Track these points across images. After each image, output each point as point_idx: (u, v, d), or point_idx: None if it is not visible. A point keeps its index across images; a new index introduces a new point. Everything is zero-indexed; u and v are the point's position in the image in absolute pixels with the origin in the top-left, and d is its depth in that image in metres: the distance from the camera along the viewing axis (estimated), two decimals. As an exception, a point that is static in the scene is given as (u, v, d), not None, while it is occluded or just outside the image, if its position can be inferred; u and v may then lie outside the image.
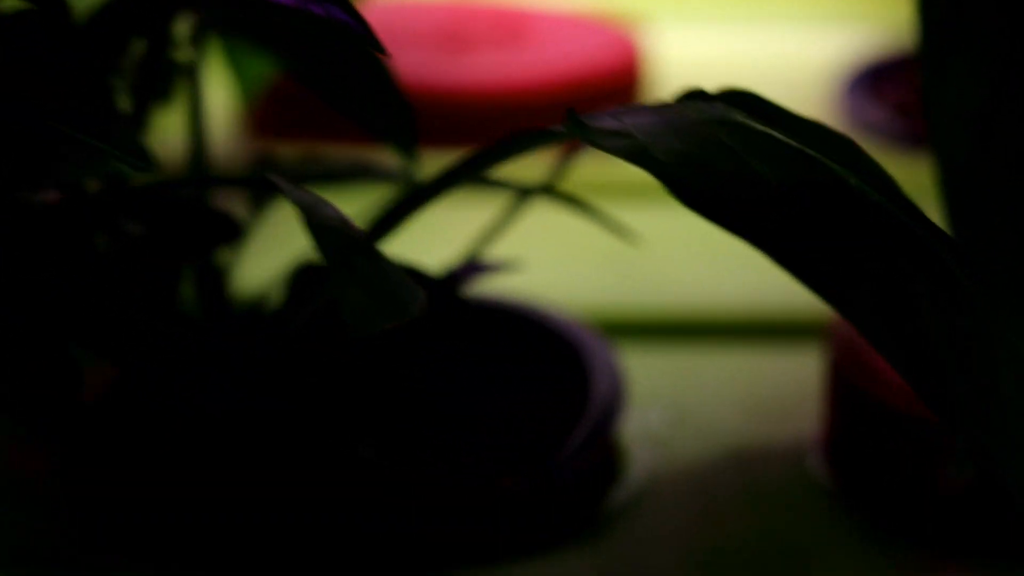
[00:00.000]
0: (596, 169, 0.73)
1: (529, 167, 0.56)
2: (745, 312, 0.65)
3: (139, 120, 0.45)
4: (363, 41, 0.41)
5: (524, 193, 0.53)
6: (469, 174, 0.43)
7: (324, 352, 0.48)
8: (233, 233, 0.50)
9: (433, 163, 0.50)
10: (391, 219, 0.44)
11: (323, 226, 0.40)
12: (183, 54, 0.51)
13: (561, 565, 0.51)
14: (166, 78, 0.53)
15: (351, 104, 0.51)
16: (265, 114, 0.81)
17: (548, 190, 0.52)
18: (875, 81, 0.86)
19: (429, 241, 0.58)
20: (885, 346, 0.37)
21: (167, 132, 0.54)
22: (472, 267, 0.53)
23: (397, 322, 0.39)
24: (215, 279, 0.52)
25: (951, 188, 0.47)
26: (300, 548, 0.50)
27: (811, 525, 0.53)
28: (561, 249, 0.71)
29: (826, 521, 0.53)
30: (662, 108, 0.41)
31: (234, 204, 0.53)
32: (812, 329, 0.62)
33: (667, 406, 0.59)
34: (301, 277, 0.51)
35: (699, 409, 0.59)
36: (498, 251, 0.56)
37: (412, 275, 0.48)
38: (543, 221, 0.65)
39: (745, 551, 0.52)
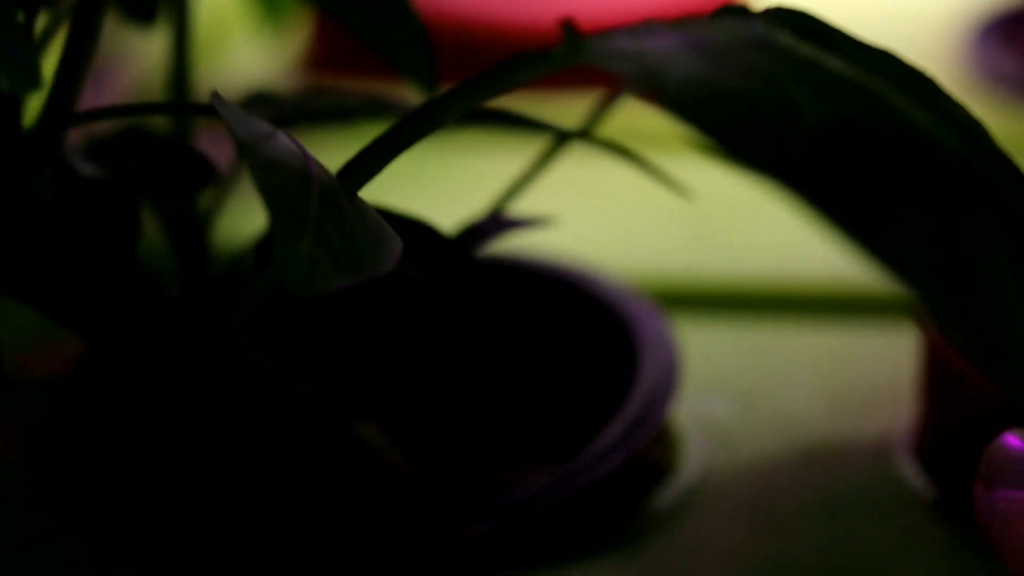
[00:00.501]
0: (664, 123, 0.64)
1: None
2: (828, 285, 0.56)
3: (28, 31, 0.37)
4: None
5: (562, 137, 0.44)
6: (461, 103, 0.35)
7: (291, 321, 0.41)
8: (206, 176, 0.42)
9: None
10: (368, 159, 0.36)
11: (266, 163, 0.33)
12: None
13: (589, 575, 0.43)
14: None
15: (367, 28, 0.44)
16: (325, 48, 0.74)
17: (585, 134, 0.44)
18: (1007, 30, 0.77)
19: (458, 196, 0.50)
20: (952, 319, 0.28)
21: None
22: (496, 222, 0.44)
23: (351, 280, 0.32)
24: (192, 232, 0.44)
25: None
26: (284, 531, 0.43)
27: (896, 537, 0.44)
28: (613, 208, 0.62)
29: (915, 532, 0.44)
30: (689, 26, 0.33)
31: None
32: (907, 307, 0.54)
33: (731, 392, 0.51)
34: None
35: (768, 397, 0.50)
36: (538, 208, 0.48)
37: (411, 229, 0.40)
38: (592, 176, 0.57)
39: (813, 568, 0.43)
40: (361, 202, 0.35)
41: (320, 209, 0.32)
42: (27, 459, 0.46)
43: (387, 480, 0.45)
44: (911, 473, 0.47)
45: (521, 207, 0.46)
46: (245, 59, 0.75)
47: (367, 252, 0.32)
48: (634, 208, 0.62)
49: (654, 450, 0.47)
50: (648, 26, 0.33)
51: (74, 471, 0.45)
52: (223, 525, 0.43)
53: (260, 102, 0.45)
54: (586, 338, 0.49)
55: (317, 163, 0.35)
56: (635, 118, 0.53)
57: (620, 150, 0.43)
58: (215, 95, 0.35)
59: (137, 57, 0.70)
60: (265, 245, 0.40)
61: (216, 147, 0.47)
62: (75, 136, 0.43)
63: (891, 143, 0.31)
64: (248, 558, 0.42)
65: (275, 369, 0.43)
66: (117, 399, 0.43)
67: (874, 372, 0.52)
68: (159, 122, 0.47)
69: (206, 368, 0.42)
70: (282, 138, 0.34)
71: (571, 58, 0.32)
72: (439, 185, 0.63)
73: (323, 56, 0.75)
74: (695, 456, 0.48)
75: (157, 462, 0.44)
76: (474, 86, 0.35)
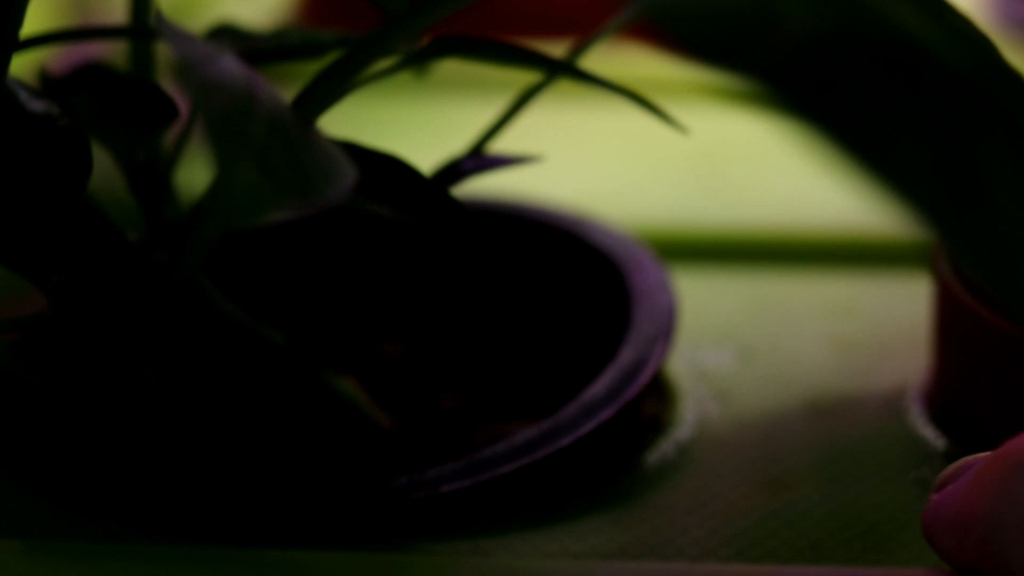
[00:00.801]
0: (667, 68, 0.62)
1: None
2: (834, 234, 0.54)
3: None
4: None
5: (552, 68, 0.41)
6: (419, 20, 0.32)
7: (258, 265, 0.38)
8: (167, 114, 0.39)
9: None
10: (323, 85, 0.33)
11: (207, 85, 0.30)
12: None
13: (571, 536, 0.40)
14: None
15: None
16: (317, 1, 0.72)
17: (574, 68, 0.41)
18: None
19: (440, 145, 0.47)
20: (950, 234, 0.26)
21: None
22: (477, 160, 0.42)
23: (296, 209, 0.29)
24: (151, 174, 0.41)
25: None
26: (255, 487, 0.40)
27: (908, 493, 0.42)
28: (609, 156, 0.59)
29: (928, 488, 0.41)
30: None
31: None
32: (918, 255, 0.51)
33: (732, 344, 0.48)
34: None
35: (772, 349, 0.48)
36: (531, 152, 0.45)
37: (382, 164, 0.38)
38: (586, 123, 0.54)
39: (818, 525, 0.40)
40: (316, 131, 0.33)
41: (266, 135, 0.30)
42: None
43: (366, 437, 0.42)
44: (923, 426, 0.44)
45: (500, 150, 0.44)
46: (235, 12, 0.72)
47: (316, 180, 0.30)
48: (631, 156, 0.59)
49: (649, 403, 0.45)
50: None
51: (33, 427, 0.42)
52: (191, 482, 0.41)
53: (226, 35, 0.42)
54: (580, 287, 0.47)
55: (268, 89, 0.32)
56: (633, 65, 0.50)
57: (616, 88, 0.41)
58: (157, 15, 0.32)
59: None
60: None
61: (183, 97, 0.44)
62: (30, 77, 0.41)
63: (884, 55, 0.28)
64: (216, 516, 0.39)
65: (242, 316, 0.40)
66: (76, 350, 0.41)
67: (884, 323, 0.49)
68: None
69: (166, 314, 0.39)
70: (228, 61, 0.31)
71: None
72: (420, 133, 0.60)
73: (314, 9, 0.73)
74: (693, 410, 0.45)
75: (120, 417, 0.41)
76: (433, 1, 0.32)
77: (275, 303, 0.45)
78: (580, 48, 0.42)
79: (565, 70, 0.41)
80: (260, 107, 0.30)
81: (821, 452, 0.43)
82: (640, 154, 0.59)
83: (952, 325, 0.43)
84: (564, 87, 0.51)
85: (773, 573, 0.39)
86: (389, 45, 0.33)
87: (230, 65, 0.31)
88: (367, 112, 0.51)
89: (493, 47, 0.40)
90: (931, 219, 0.26)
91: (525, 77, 0.42)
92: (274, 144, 0.30)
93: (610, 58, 0.40)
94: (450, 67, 0.44)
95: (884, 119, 0.27)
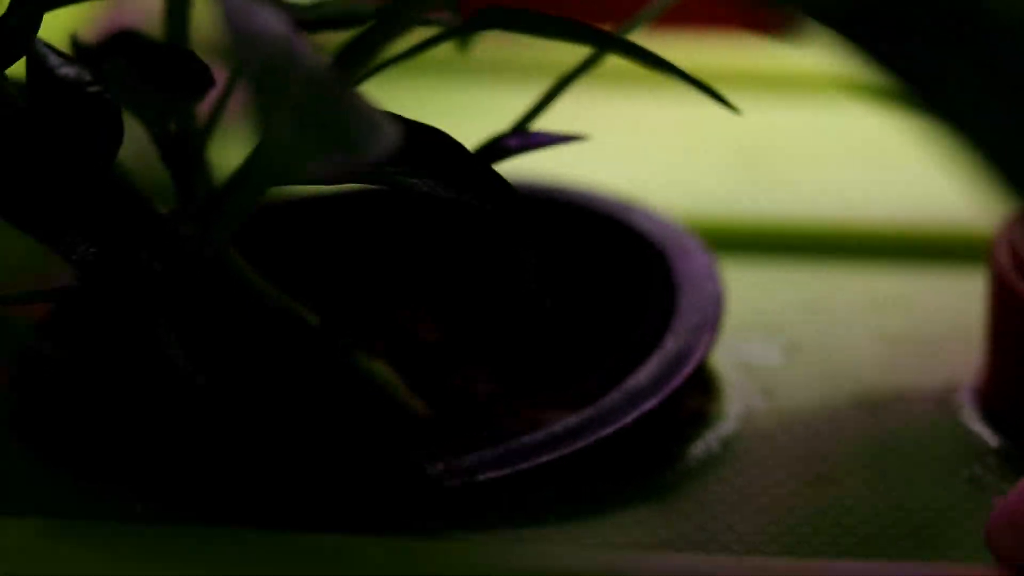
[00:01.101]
0: (713, 55, 0.61)
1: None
2: (885, 227, 0.52)
3: None
4: None
5: (603, 43, 0.40)
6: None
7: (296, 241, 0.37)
8: (202, 82, 0.38)
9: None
10: (362, 43, 0.32)
11: (249, 35, 0.29)
12: None
13: (612, 528, 0.38)
14: None
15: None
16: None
17: (628, 44, 0.39)
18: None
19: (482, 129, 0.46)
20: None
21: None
22: (522, 137, 0.40)
23: (340, 162, 0.28)
24: (184, 145, 0.40)
25: None
26: (283, 469, 0.39)
27: (959, 492, 0.40)
28: (657, 146, 0.58)
29: (981, 486, 0.40)
30: None
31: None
32: (972, 252, 0.49)
33: (779, 337, 0.46)
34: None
35: (820, 343, 0.46)
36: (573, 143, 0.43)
37: (423, 135, 0.36)
38: (636, 108, 0.53)
39: (867, 523, 0.39)
40: (355, 91, 0.31)
41: (306, 87, 0.28)
42: (9, 391, 0.42)
43: (400, 422, 0.41)
44: (976, 423, 0.43)
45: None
46: None
47: (358, 136, 0.28)
48: (678, 146, 0.58)
49: (693, 396, 0.43)
50: None
51: (57, 404, 0.41)
52: (219, 463, 0.39)
53: (267, 3, 0.41)
54: (624, 273, 0.45)
55: (308, 45, 0.31)
56: (676, 50, 0.49)
57: (668, 67, 0.39)
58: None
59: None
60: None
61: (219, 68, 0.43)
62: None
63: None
64: (244, 498, 0.38)
65: (274, 293, 0.39)
66: (103, 324, 0.40)
67: (935, 319, 0.47)
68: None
69: (195, 289, 0.38)
70: (269, 14, 0.30)
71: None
72: (459, 116, 0.59)
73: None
74: (738, 404, 0.43)
75: (146, 395, 0.40)
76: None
77: (308, 281, 0.43)
78: (630, 25, 0.40)
79: (615, 45, 0.40)
80: (300, 60, 0.29)
81: (870, 448, 0.42)
82: (687, 144, 0.58)
83: (1008, 319, 0.42)
84: (608, 74, 0.50)
85: (822, 569, 0.37)
86: (428, 4, 0.31)
87: (271, 18, 0.30)
88: (405, 95, 0.49)
89: (539, 19, 0.39)
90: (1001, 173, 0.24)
91: (566, 60, 0.41)
92: (314, 98, 0.28)
93: (650, 43, 0.39)
94: (490, 49, 0.43)
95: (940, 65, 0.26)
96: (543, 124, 0.41)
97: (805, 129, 0.58)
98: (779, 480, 0.40)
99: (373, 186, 0.40)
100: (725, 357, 0.45)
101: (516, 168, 0.40)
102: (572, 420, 0.40)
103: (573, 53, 0.39)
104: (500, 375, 0.44)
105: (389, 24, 0.32)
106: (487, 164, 0.38)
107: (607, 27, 0.39)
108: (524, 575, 0.37)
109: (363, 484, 0.38)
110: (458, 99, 0.61)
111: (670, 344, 0.42)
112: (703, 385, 0.44)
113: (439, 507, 0.38)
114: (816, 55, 0.49)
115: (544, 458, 0.39)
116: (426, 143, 0.37)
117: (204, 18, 0.40)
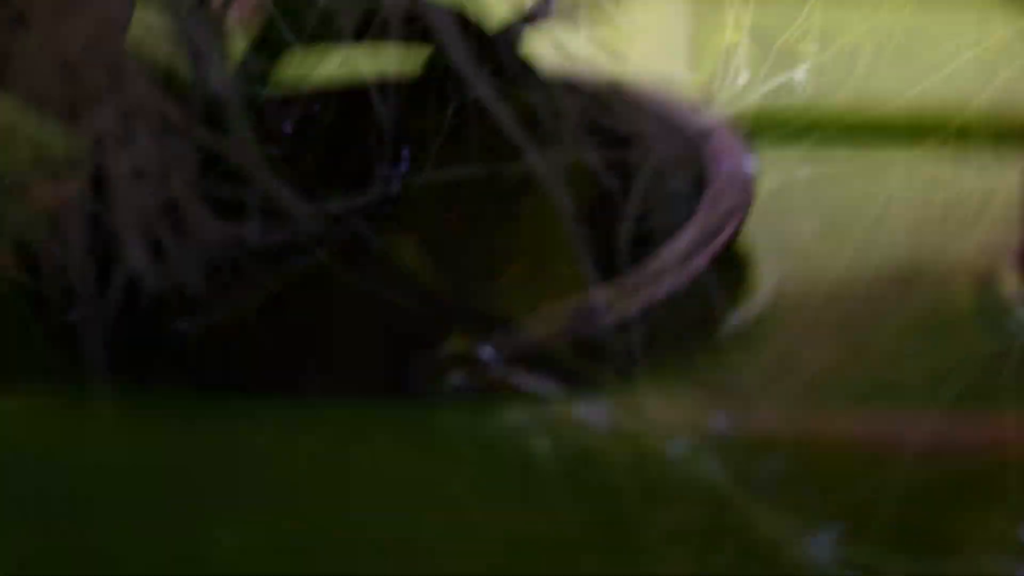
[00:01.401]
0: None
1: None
2: (923, 111, 0.51)
3: None
4: None
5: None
6: None
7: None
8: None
9: None
10: None
11: None
12: None
13: (645, 398, 0.38)
14: None
15: None
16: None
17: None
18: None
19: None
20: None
21: None
22: (544, 6, 0.39)
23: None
24: (206, 32, 0.39)
25: None
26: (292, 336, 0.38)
27: (998, 366, 0.39)
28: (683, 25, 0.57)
29: (1021, 353, 0.39)
30: None
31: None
32: (1010, 134, 0.48)
33: (811, 215, 0.45)
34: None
35: (855, 219, 0.45)
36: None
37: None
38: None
39: (918, 392, 0.38)
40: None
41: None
42: (25, 283, 0.41)
43: (422, 303, 0.40)
44: (1015, 294, 0.41)
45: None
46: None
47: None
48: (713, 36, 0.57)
49: (725, 272, 0.42)
50: None
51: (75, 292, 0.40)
52: (238, 338, 0.39)
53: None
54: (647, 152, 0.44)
55: None
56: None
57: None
58: None
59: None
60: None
61: None
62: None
63: None
64: (264, 370, 0.38)
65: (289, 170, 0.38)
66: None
67: (975, 197, 0.46)
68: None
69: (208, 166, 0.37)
70: None
71: None
72: None
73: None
74: (769, 279, 0.42)
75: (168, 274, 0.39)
76: None
77: (331, 162, 0.43)
78: None
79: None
80: None
81: (907, 322, 0.41)
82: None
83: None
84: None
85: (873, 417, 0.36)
86: None
87: None
88: None
89: None
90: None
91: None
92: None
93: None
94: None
95: None
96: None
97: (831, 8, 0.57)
98: (817, 354, 0.39)
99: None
100: (758, 236, 0.44)
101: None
102: (606, 293, 0.39)
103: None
104: (525, 263, 0.43)
105: None
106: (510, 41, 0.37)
107: None
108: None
109: (381, 357, 0.38)
110: None
111: (699, 221, 0.41)
112: (736, 262, 0.43)
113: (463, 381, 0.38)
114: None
115: (581, 329, 0.38)
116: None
117: None
